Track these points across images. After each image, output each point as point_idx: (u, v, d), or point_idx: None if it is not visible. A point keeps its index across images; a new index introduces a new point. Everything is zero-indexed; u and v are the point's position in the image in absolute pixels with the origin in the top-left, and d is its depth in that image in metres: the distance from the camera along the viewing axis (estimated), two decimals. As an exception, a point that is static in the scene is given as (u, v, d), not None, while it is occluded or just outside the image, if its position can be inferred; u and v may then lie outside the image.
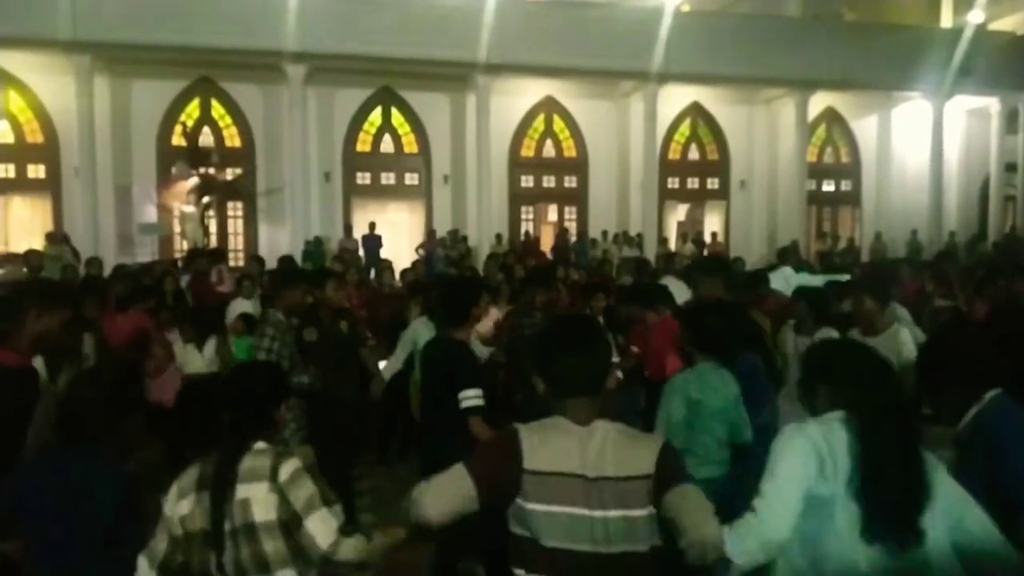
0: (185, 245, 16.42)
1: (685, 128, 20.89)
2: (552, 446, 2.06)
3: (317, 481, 2.32)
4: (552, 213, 20.78)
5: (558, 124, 19.99)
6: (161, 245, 16.53)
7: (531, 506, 2.03)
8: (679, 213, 22.00)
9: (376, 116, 18.75)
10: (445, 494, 2.06)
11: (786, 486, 2.10)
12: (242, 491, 2.25)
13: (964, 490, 2.11)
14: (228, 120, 17.88)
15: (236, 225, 18.16)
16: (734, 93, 20.24)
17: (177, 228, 16.94)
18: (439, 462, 2.23)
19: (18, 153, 16.87)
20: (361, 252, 16.25)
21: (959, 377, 2.50)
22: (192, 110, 17.63)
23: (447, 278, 8.50)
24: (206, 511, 2.25)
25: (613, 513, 2.01)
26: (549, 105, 19.69)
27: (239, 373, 2.93)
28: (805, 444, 2.11)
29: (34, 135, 16.91)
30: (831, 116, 21.63)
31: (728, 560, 2.03)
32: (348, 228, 17.46)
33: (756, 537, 2.09)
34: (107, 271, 10.43)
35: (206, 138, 17.53)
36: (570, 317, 3.39)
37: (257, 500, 2.24)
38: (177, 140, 17.24)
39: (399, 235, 18.20)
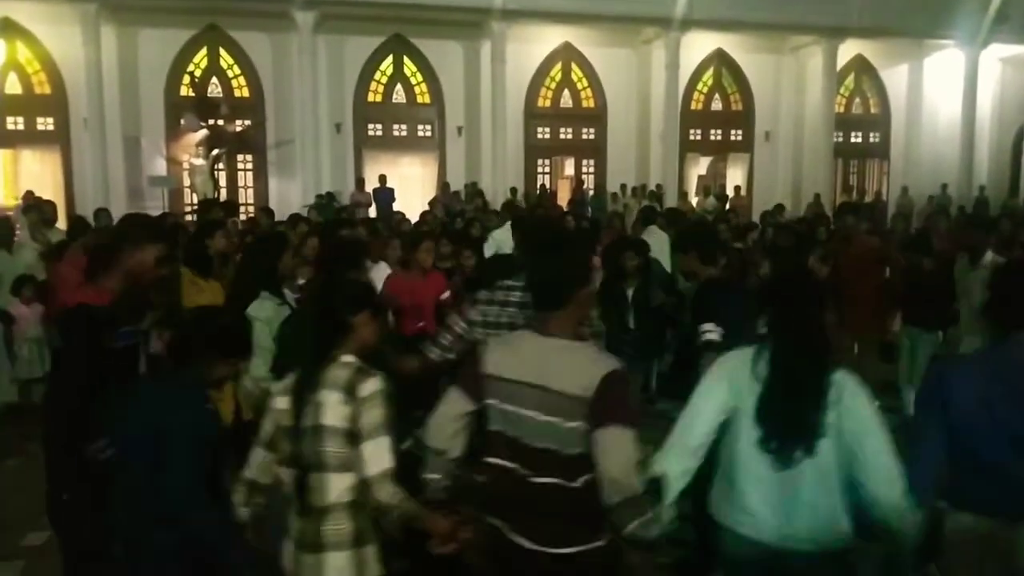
0: (195, 198, 16.23)
1: (708, 77, 20.25)
2: None
3: (389, 410, 2.47)
4: (569, 166, 20.38)
5: (576, 73, 19.43)
6: (171, 198, 16.33)
7: None
8: (701, 166, 21.50)
9: (387, 65, 18.31)
10: None
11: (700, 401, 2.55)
12: (320, 395, 2.45)
13: (873, 422, 2.36)
14: (237, 70, 17.55)
15: (246, 178, 17.95)
16: (760, 41, 19.56)
17: (187, 181, 16.73)
18: None
19: (26, 105, 16.68)
20: (373, 206, 16.03)
21: None
22: (200, 60, 17.32)
23: None
24: (294, 411, 2.49)
25: None
26: (567, 53, 19.11)
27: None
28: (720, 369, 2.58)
29: (42, 86, 16.72)
30: (860, 65, 20.92)
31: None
32: (360, 181, 17.16)
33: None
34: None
35: (214, 88, 17.27)
36: None
37: (329, 405, 2.43)
38: (185, 91, 17.00)
39: (412, 188, 17.86)
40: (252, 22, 16.88)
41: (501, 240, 7.46)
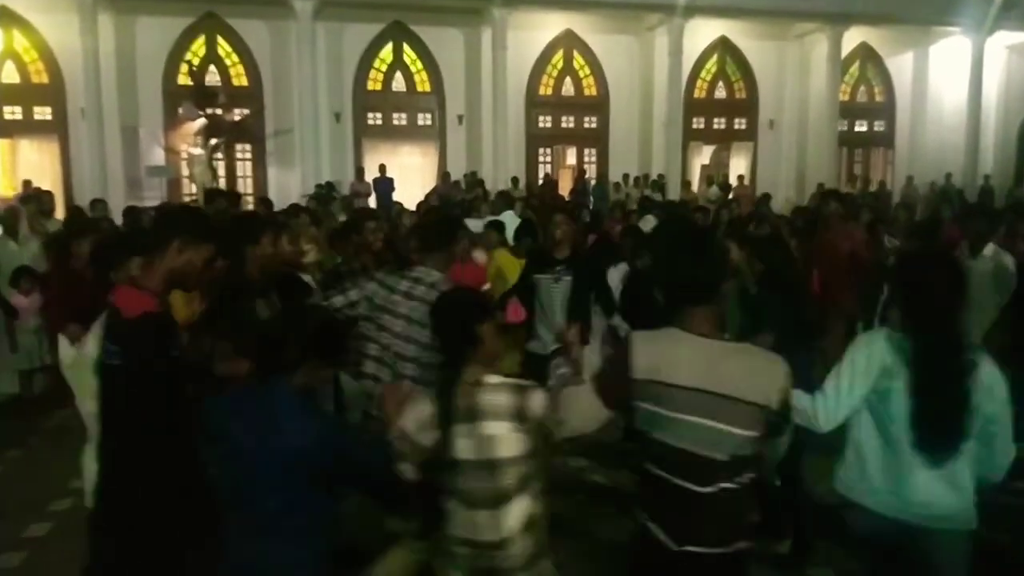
0: (194, 188, 16.14)
1: (712, 65, 20.07)
2: None
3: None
4: (571, 155, 20.22)
5: (578, 61, 19.25)
6: (170, 188, 16.24)
7: None
8: (704, 155, 21.32)
9: (387, 53, 18.14)
10: None
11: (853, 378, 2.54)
12: (487, 427, 2.27)
13: (1006, 403, 2.42)
14: (235, 58, 17.41)
15: (245, 167, 17.81)
16: (764, 28, 19.38)
17: (185, 171, 16.61)
18: None
19: (24, 94, 16.57)
20: (373, 196, 15.94)
21: None
22: (198, 48, 17.18)
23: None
24: (444, 444, 2.29)
25: None
26: (568, 40, 18.93)
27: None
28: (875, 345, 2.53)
29: (39, 75, 16.60)
30: (865, 53, 20.75)
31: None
32: (360, 171, 17.02)
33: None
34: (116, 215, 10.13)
35: (213, 77, 17.14)
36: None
37: (502, 438, 2.27)
38: (183, 79, 16.86)
39: (412, 178, 17.73)
40: (250, 10, 16.70)
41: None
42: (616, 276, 5.84)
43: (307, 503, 2.32)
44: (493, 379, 2.33)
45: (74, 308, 4.71)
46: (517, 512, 2.29)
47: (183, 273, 2.85)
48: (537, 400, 2.30)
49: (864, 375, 2.49)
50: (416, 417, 2.35)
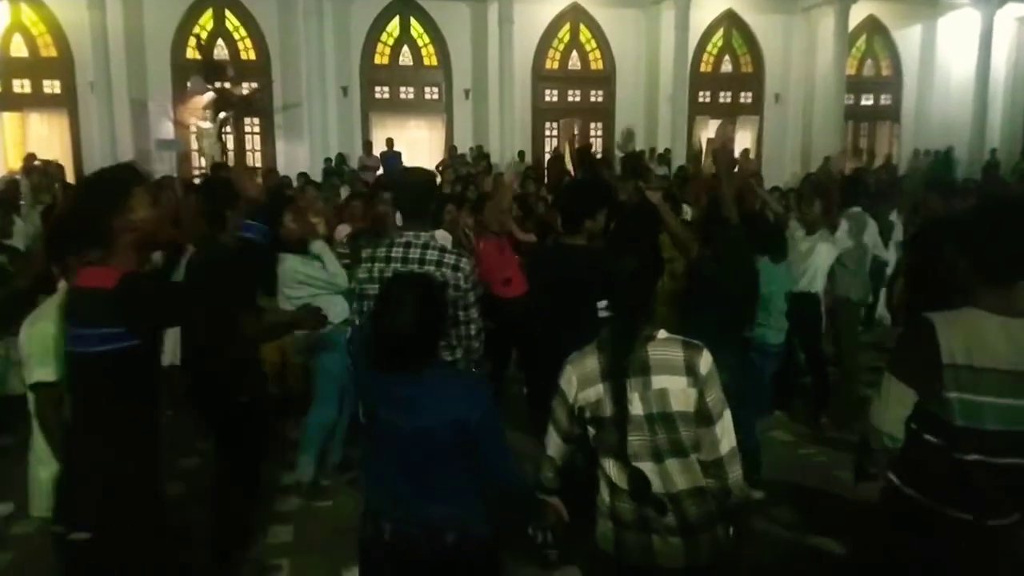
0: (203, 161, 16.23)
1: (718, 38, 19.98)
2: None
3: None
4: (577, 129, 20.16)
5: (584, 34, 19.19)
6: (179, 161, 16.32)
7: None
8: (710, 129, 21.26)
9: (394, 27, 18.10)
10: None
11: None
12: (658, 382, 2.20)
13: None
14: (243, 32, 17.40)
15: (254, 141, 17.87)
16: (771, 1, 19.26)
17: (195, 144, 16.69)
18: None
19: (33, 68, 16.62)
20: (381, 169, 16.00)
21: None
22: (205, 21, 17.17)
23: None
24: (613, 400, 2.23)
25: None
26: (575, 13, 18.86)
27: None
28: None
29: (48, 49, 16.63)
30: (873, 26, 20.57)
31: None
32: (368, 145, 17.07)
33: None
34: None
35: (221, 51, 17.13)
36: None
37: (675, 392, 2.19)
38: (191, 53, 16.86)
39: (419, 151, 17.77)
40: (257, -17, 16.69)
41: None
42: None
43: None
44: (661, 333, 2.26)
45: None
46: (684, 470, 2.22)
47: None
48: (705, 359, 2.21)
49: None
50: (581, 370, 2.29)
